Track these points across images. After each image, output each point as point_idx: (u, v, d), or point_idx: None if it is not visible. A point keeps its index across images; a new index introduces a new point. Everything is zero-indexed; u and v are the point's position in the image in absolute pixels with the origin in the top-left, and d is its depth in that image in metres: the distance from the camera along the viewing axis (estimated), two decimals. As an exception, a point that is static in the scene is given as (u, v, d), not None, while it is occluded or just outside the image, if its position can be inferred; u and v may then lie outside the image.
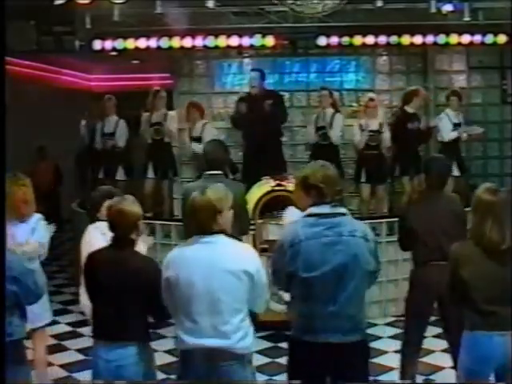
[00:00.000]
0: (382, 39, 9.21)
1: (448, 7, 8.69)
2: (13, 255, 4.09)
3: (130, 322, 3.90)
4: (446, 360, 5.39)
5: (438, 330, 5.59)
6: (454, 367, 5.06)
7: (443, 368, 5.93)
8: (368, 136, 8.90)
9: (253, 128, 8.93)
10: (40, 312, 5.45)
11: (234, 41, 9.13)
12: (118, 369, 3.86)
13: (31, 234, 5.37)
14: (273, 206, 7.41)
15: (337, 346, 3.73)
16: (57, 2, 7.98)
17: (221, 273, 3.64)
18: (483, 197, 3.92)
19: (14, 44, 8.14)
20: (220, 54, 10.03)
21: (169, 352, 6.48)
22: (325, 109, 9.16)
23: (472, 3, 8.80)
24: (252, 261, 3.77)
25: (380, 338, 7.03)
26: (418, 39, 9.21)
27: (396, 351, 6.16)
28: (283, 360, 6.13)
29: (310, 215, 3.79)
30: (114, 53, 9.34)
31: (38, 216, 5.56)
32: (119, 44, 9.08)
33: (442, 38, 9.21)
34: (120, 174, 9.40)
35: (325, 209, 3.77)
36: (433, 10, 8.57)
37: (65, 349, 7.01)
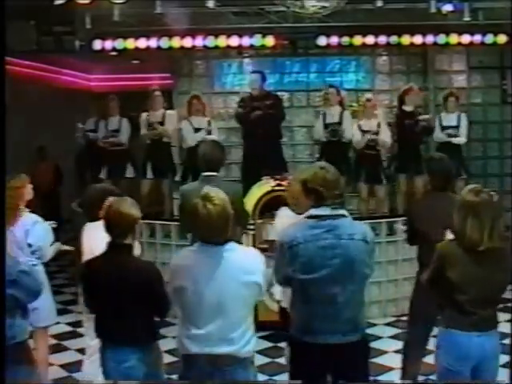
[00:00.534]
0: (382, 39, 9.23)
1: (448, 7, 8.68)
2: (7, 258, 4.03)
3: (136, 326, 3.89)
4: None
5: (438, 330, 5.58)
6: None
7: (443, 368, 5.91)
8: (368, 136, 8.91)
9: (253, 128, 8.95)
10: (47, 313, 5.48)
11: (234, 41, 9.14)
12: (128, 370, 3.86)
13: (25, 237, 5.36)
14: (273, 206, 7.40)
15: (336, 346, 3.74)
16: (57, 2, 7.97)
17: (231, 283, 3.61)
18: (466, 197, 3.92)
19: (14, 44, 8.12)
20: (220, 54, 10.04)
21: (169, 352, 6.47)
22: (332, 106, 9.18)
23: (472, 3, 8.80)
24: (260, 270, 3.73)
25: (380, 338, 7.02)
26: (418, 39, 9.22)
27: (396, 351, 6.17)
28: (283, 360, 6.15)
29: (310, 217, 3.79)
30: (114, 53, 9.34)
31: (33, 218, 5.55)
32: (119, 44, 9.09)
33: (442, 38, 9.22)
34: (130, 172, 9.42)
35: (325, 211, 3.76)
36: (433, 9, 8.57)
37: (65, 349, 7.01)
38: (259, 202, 7.39)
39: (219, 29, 9.13)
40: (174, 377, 5.54)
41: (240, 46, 9.36)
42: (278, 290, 4.90)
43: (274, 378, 6.01)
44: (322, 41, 9.20)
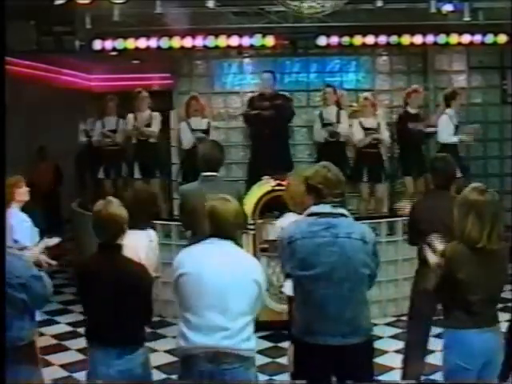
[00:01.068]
0: (382, 39, 9.23)
1: (448, 7, 8.68)
2: (19, 261, 4.06)
3: (127, 326, 3.86)
4: (446, 360, 5.37)
5: (439, 330, 5.57)
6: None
7: (443, 368, 5.91)
8: (370, 134, 8.92)
9: (262, 128, 8.99)
10: None
11: (234, 41, 9.14)
12: (121, 373, 3.84)
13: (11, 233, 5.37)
14: (273, 205, 7.41)
15: (337, 348, 3.74)
16: (57, 2, 7.97)
17: (233, 275, 3.69)
18: (469, 195, 3.91)
19: (14, 44, 8.12)
20: (220, 54, 10.03)
21: (169, 352, 6.49)
22: (329, 106, 9.22)
23: (472, 3, 8.80)
24: (260, 272, 3.86)
25: (380, 337, 7.02)
26: (418, 39, 9.22)
27: (396, 351, 6.17)
28: (283, 360, 6.15)
29: (309, 214, 3.82)
30: (114, 53, 9.34)
31: (20, 216, 5.57)
32: (119, 44, 9.09)
33: (442, 38, 9.23)
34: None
35: (324, 208, 3.79)
36: (433, 9, 8.58)
37: (65, 349, 7.01)
38: (259, 202, 7.39)
39: (219, 29, 9.12)
40: (174, 377, 5.55)
41: (240, 46, 9.36)
42: (288, 284, 4.90)
43: (274, 378, 6.01)
44: (322, 41, 9.20)
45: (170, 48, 9.17)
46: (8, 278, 3.82)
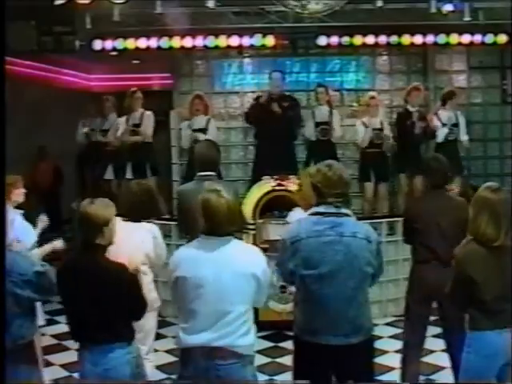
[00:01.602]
0: (383, 39, 9.23)
1: (448, 7, 8.68)
2: (22, 258, 4.05)
3: (111, 325, 3.84)
4: (446, 360, 5.38)
5: (438, 330, 5.58)
6: (453, 367, 5.08)
7: (444, 368, 5.91)
8: (371, 134, 8.94)
9: (268, 128, 8.98)
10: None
11: (235, 41, 9.14)
12: (107, 371, 3.82)
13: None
14: (273, 205, 7.42)
15: (338, 347, 3.74)
16: (57, 2, 7.98)
17: (230, 273, 3.66)
18: (482, 194, 3.94)
19: (14, 44, 8.12)
20: (220, 54, 10.03)
21: (169, 352, 6.49)
22: (321, 105, 9.24)
23: (472, 3, 8.80)
24: (260, 264, 3.79)
25: (380, 337, 7.02)
26: (418, 39, 9.22)
27: (396, 351, 6.16)
28: (283, 360, 6.17)
29: (313, 214, 3.81)
30: (114, 53, 9.34)
31: (16, 214, 5.58)
32: (119, 44, 9.09)
33: (442, 38, 9.22)
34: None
35: (328, 208, 3.78)
36: (433, 9, 8.59)
37: (65, 349, 7.00)
38: (259, 202, 7.39)
39: (219, 29, 9.12)
40: (175, 377, 5.55)
41: (240, 46, 9.36)
42: None
43: (275, 377, 6.00)
44: (323, 41, 9.20)
45: (170, 48, 9.16)
46: (11, 275, 3.81)
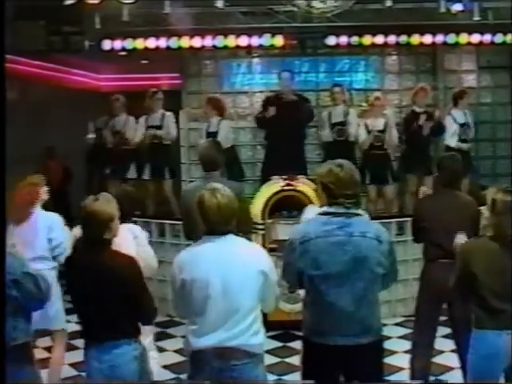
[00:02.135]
0: (392, 39, 9.21)
1: (457, 7, 8.66)
2: (13, 258, 4.01)
3: (117, 321, 3.84)
4: (455, 360, 5.37)
5: (448, 331, 5.57)
6: (462, 368, 5.07)
7: (453, 368, 5.91)
8: (373, 136, 8.91)
9: (278, 129, 8.95)
10: (54, 315, 5.49)
11: (243, 41, 9.15)
12: (112, 368, 3.83)
13: (47, 232, 5.42)
14: (282, 205, 7.42)
15: (347, 348, 3.73)
16: (66, 2, 8.00)
17: (237, 272, 3.66)
18: (497, 196, 3.95)
19: (23, 44, 8.15)
20: (229, 54, 10.04)
21: (177, 351, 6.49)
22: (337, 105, 9.21)
23: (482, 3, 8.78)
24: (265, 261, 3.80)
25: (389, 338, 7.00)
26: (427, 39, 9.20)
27: (405, 351, 6.15)
28: (292, 360, 6.17)
29: (323, 214, 3.80)
30: (123, 53, 9.36)
31: (52, 215, 5.60)
32: (128, 44, 9.11)
33: (451, 38, 9.21)
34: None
35: (338, 209, 3.76)
36: (442, 9, 8.57)
37: (74, 348, 7.00)
38: (268, 202, 7.40)
39: (228, 29, 9.12)
40: (183, 376, 5.56)
41: (249, 46, 9.37)
42: None
43: (284, 377, 6.00)
44: (331, 40, 9.19)
45: (179, 48, 9.18)
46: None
